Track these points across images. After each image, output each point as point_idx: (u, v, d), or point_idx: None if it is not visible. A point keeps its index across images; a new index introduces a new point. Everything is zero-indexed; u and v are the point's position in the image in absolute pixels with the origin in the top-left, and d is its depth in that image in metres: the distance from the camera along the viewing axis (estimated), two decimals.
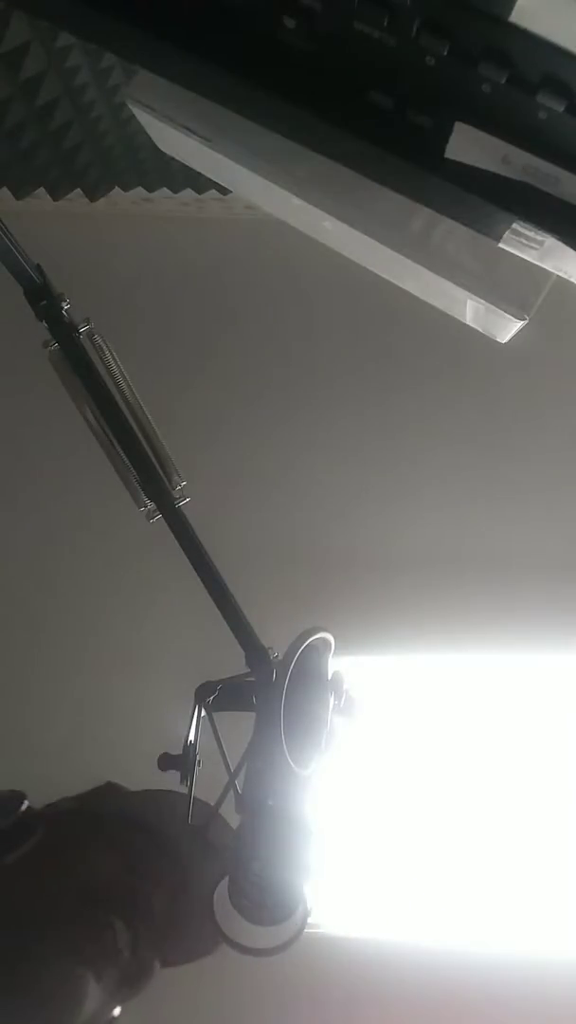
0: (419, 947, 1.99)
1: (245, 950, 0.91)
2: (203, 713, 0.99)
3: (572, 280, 0.75)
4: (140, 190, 1.81)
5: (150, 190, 1.81)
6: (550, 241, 0.66)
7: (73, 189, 1.71)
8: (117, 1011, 0.99)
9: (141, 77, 0.95)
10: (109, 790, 1.11)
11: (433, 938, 2.01)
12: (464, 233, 0.73)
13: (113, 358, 0.95)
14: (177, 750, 0.98)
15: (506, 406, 2.11)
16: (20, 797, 1.03)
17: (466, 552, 2.05)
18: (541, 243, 0.67)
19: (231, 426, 2.14)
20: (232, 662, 1.00)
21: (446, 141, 0.62)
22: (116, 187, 1.78)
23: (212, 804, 0.98)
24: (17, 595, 2.15)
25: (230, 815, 0.96)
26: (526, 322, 0.96)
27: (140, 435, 0.96)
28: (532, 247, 0.68)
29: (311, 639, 0.98)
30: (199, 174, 1.09)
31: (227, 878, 0.92)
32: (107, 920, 0.96)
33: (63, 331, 0.93)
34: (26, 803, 1.02)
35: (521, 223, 0.65)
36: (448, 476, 2.10)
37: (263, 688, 0.96)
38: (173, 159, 1.07)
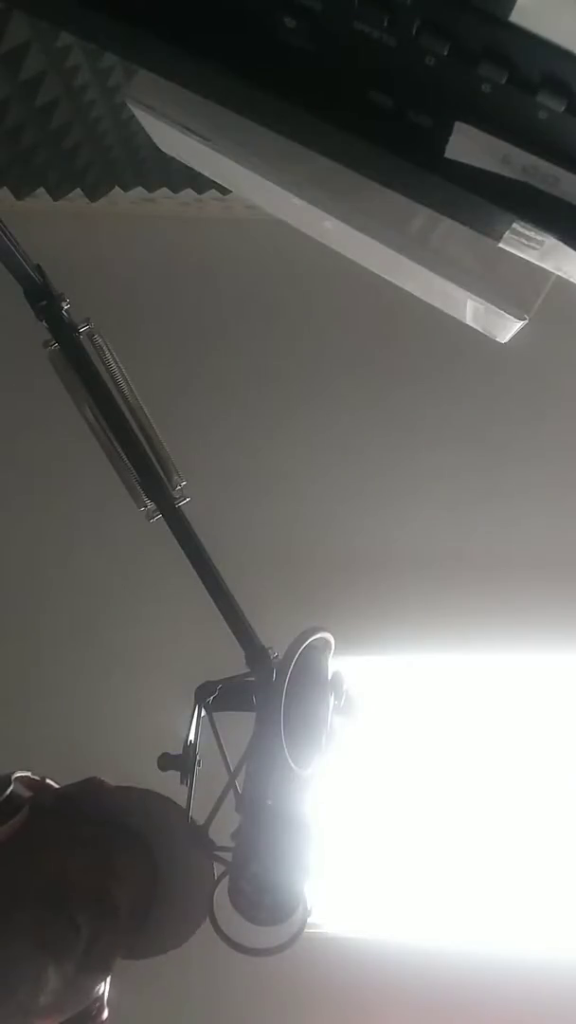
0: (419, 947, 1.99)
1: (244, 950, 0.91)
2: (203, 713, 0.99)
3: (572, 280, 0.75)
4: (140, 190, 1.81)
5: (150, 190, 1.81)
6: (550, 241, 0.66)
7: (73, 189, 1.71)
8: (102, 988, 0.99)
9: (141, 77, 0.95)
10: (92, 785, 1.11)
11: (433, 938, 2.01)
12: (464, 233, 0.72)
13: (113, 358, 0.95)
14: (177, 750, 0.98)
15: (506, 406, 2.11)
16: (6, 782, 1.03)
17: (465, 552, 2.05)
18: (541, 243, 0.67)
19: (231, 426, 2.14)
20: (232, 662, 1.00)
21: (446, 141, 0.62)
22: (116, 187, 1.78)
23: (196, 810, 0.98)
24: (17, 595, 2.15)
25: (230, 815, 0.96)
26: (526, 322, 0.96)
27: (140, 435, 0.96)
28: (532, 247, 0.68)
29: (311, 639, 0.98)
30: (199, 174, 1.09)
31: (227, 878, 0.92)
32: (68, 921, 0.96)
33: (63, 331, 0.93)
34: (11, 788, 1.02)
35: (521, 223, 0.65)
36: (447, 476, 2.10)
37: (263, 688, 0.96)
38: (173, 159, 1.07)
